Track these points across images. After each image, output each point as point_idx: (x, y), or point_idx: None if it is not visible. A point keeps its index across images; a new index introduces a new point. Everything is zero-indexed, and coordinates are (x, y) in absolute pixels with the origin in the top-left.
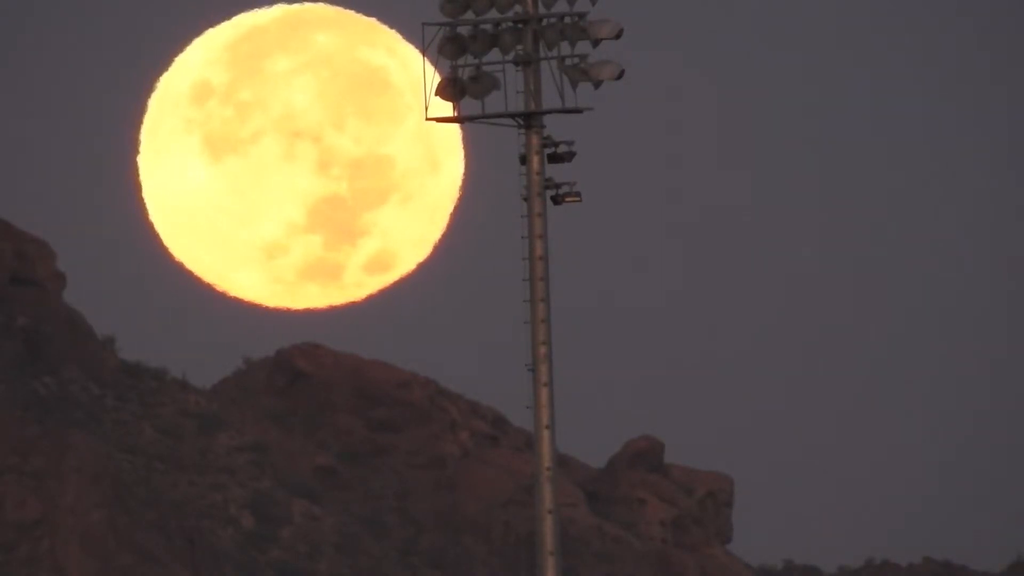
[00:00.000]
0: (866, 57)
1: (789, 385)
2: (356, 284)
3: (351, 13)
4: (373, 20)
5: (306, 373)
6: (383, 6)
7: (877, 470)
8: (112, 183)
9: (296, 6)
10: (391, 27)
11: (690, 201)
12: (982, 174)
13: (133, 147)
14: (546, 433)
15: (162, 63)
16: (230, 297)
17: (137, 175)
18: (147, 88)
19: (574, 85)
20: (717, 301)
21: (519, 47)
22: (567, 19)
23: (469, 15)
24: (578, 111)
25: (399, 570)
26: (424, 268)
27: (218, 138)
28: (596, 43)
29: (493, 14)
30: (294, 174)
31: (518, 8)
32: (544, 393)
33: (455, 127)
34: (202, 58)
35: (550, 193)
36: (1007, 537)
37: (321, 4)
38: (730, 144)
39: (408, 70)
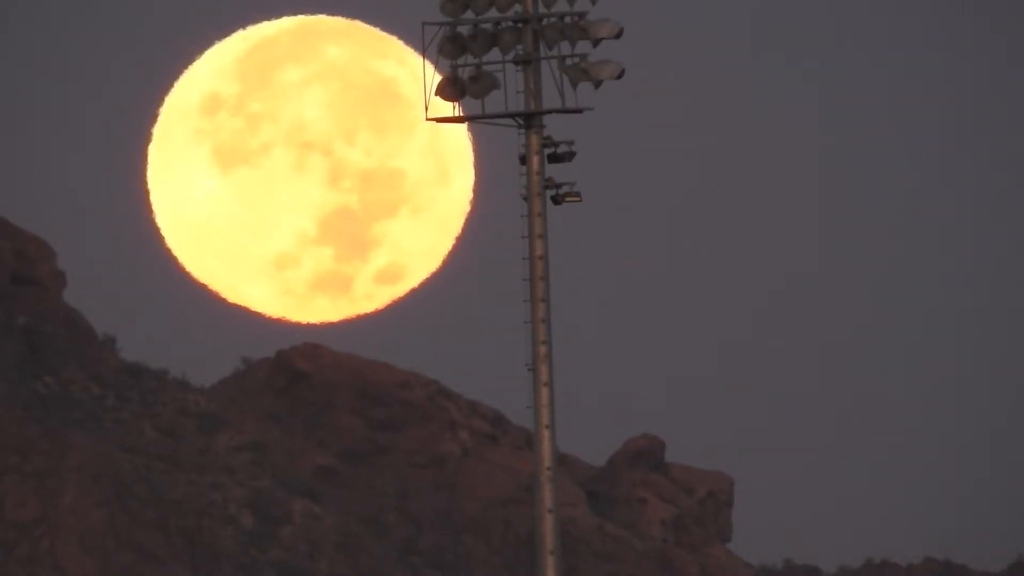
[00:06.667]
0: (870, 56)
1: (789, 385)
2: (366, 296)
3: (362, 24)
4: (383, 31)
5: (306, 373)
6: (395, 16)
7: (877, 470)
8: (116, 187)
9: (306, 17)
10: (401, 37)
11: (691, 201)
12: (981, 174)
13: (142, 155)
14: (546, 433)
15: (172, 73)
16: (238, 308)
17: (145, 182)
18: (157, 97)
19: (574, 85)
20: (717, 301)
21: (519, 47)
22: (567, 19)
23: (469, 15)
24: (578, 111)
25: (399, 570)
26: (434, 278)
27: (228, 149)
28: (596, 43)
29: (493, 13)
30: (305, 186)
31: (518, 8)
32: (544, 393)
33: (464, 137)
34: (212, 69)
35: (550, 193)
36: (1007, 537)
37: (332, 15)
38: (731, 144)
39: (419, 81)
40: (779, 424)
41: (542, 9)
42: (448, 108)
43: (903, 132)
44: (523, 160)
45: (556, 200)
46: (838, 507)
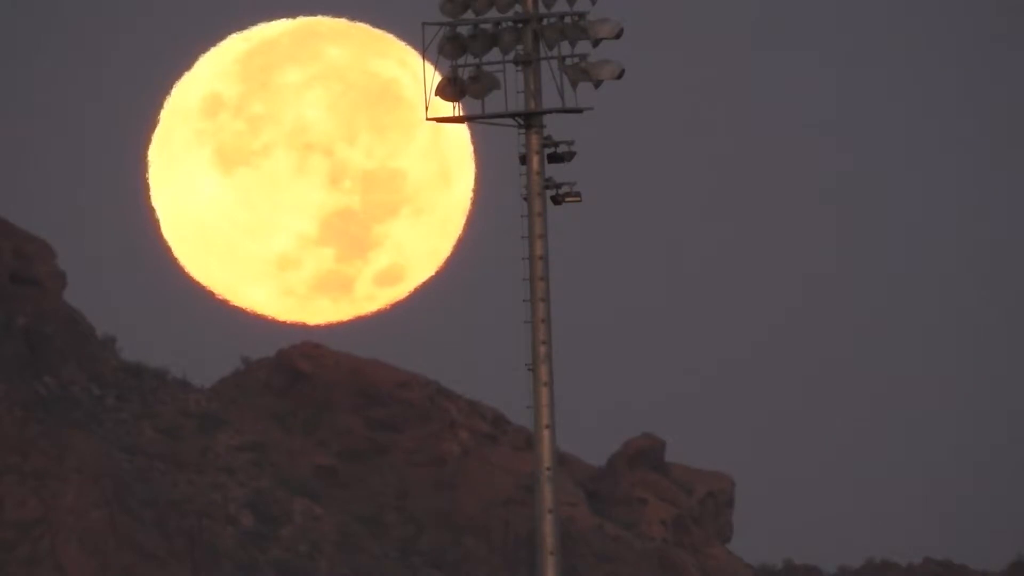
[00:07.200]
0: (871, 55)
1: (789, 385)
2: (367, 297)
3: (363, 25)
4: (384, 32)
5: (306, 373)
6: (395, 16)
7: (877, 470)
8: (117, 187)
9: (307, 18)
10: (401, 38)
11: (691, 201)
12: (981, 173)
13: (143, 156)
14: (546, 433)
15: (173, 74)
16: (238, 308)
17: (146, 183)
18: (158, 98)
19: (574, 85)
20: (717, 301)
21: (519, 47)
22: (567, 19)
23: (469, 15)
24: (578, 111)
25: (399, 570)
26: (434, 278)
27: (229, 150)
28: (596, 43)
29: (493, 14)
30: (306, 187)
31: (518, 8)
32: (544, 393)
33: (465, 138)
34: (213, 70)
35: (550, 193)
36: (1007, 537)
37: (332, 16)
38: (730, 144)
39: (420, 82)
40: (779, 424)
41: (542, 9)
42: (448, 108)
43: (904, 131)
44: (523, 160)
45: (556, 200)
46: (838, 507)
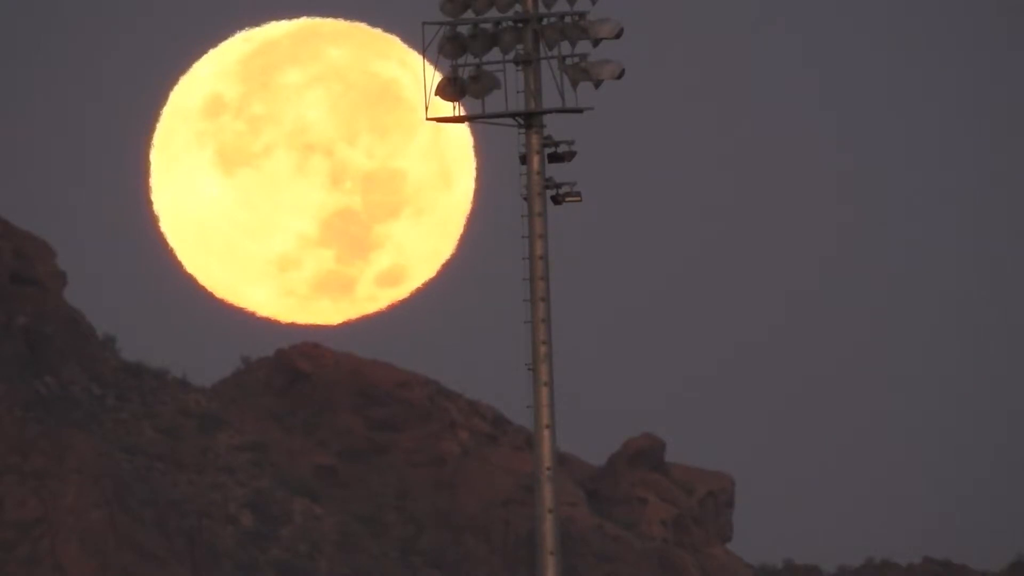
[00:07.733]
0: (870, 55)
1: (790, 385)
2: (368, 297)
3: (363, 26)
4: (384, 32)
5: (306, 373)
6: (395, 16)
7: (877, 470)
8: (117, 187)
9: (308, 20)
10: (401, 37)
11: (691, 201)
12: (981, 170)
13: (144, 156)
14: (546, 433)
15: (174, 74)
16: (238, 308)
17: (147, 183)
18: (159, 98)
19: (574, 85)
20: (717, 300)
21: (519, 46)
22: (567, 18)
23: (469, 14)
24: (578, 111)
25: (399, 569)
26: (434, 278)
27: (231, 151)
28: (596, 43)
29: (493, 13)
30: (306, 188)
31: (518, 8)
32: (544, 393)
33: (466, 139)
34: (214, 71)
35: (550, 193)
36: (1007, 537)
37: (332, 17)
38: (730, 144)
39: (420, 82)
40: (779, 424)
41: (542, 9)
42: (448, 108)
43: (904, 131)
44: (523, 160)
45: (556, 200)
46: (838, 507)
